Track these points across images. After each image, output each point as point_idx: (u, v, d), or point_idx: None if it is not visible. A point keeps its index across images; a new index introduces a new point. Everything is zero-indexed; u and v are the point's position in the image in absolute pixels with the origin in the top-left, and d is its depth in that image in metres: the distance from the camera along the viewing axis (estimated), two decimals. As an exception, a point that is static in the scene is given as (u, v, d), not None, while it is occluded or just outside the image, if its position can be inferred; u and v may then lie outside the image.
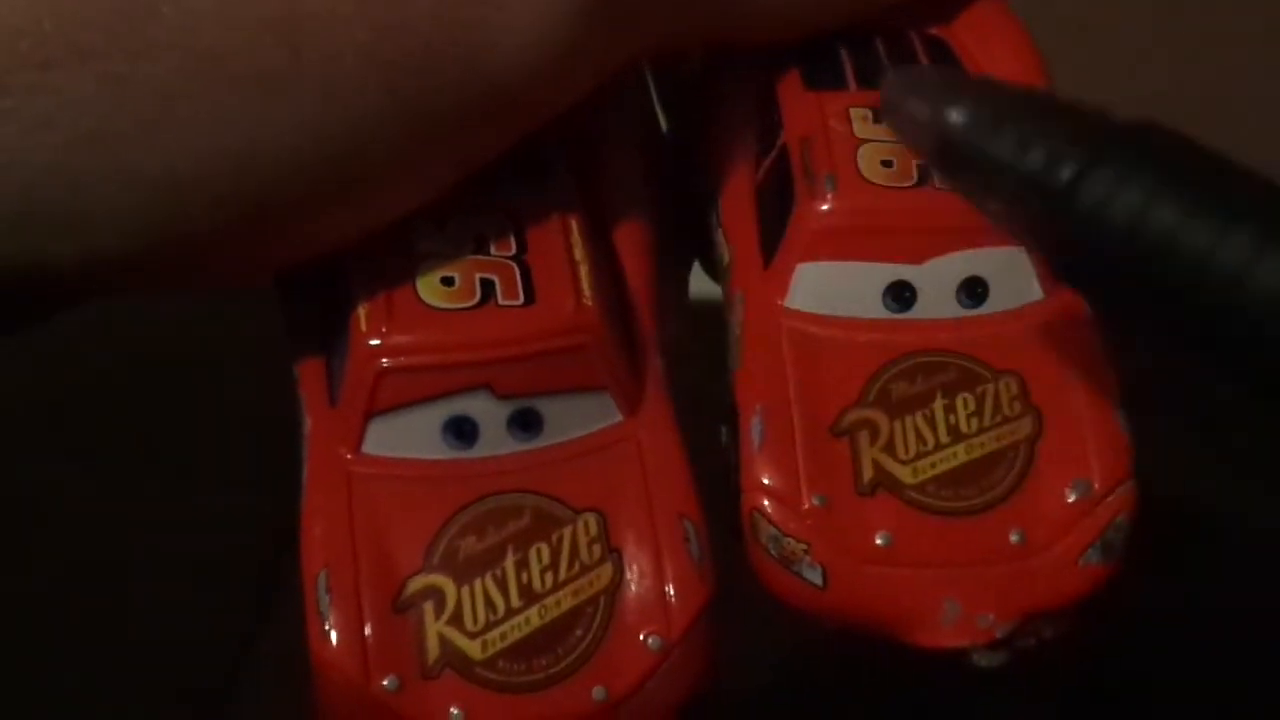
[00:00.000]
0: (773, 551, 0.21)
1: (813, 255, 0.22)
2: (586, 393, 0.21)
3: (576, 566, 0.21)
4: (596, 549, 0.21)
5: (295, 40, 0.18)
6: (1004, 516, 0.21)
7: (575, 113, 0.21)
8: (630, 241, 0.23)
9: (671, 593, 0.21)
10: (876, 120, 0.23)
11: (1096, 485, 0.21)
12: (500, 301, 0.21)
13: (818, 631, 0.22)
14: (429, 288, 0.21)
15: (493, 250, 0.22)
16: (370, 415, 0.21)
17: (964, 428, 0.22)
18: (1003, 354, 0.22)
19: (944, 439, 0.21)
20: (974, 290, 0.22)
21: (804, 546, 0.21)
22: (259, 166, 0.19)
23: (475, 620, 0.20)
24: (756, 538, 0.21)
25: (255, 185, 0.19)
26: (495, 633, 0.20)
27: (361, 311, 0.21)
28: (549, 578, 0.21)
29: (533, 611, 0.20)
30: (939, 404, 0.22)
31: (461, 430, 0.21)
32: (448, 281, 0.21)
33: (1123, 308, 0.18)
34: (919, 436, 0.21)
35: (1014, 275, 0.22)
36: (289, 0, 0.18)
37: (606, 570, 0.21)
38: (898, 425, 0.21)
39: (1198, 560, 0.60)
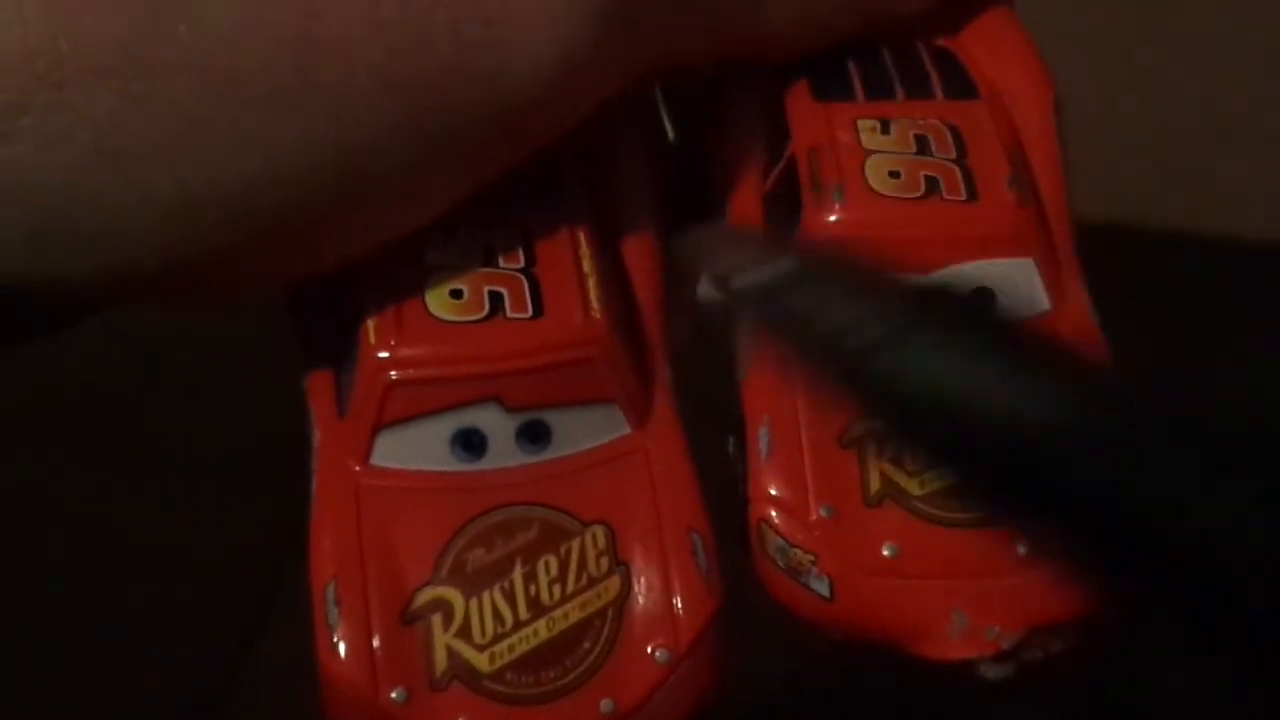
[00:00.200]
0: (780, 562, 0.21)
1: None
2: (595, 405, 0.21)
3: (584, 579, 0.21)
4: (604, 561, 0.21)
5: (310, 61, 0.18)
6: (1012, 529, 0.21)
7: (585, 126, 0.21)
8: (638, 254, 0.23)
9: (679, 605, 0.21)
10: (884, 131, 0.23)
11: None
12: (509, 314, 0.21)
13: (825, 643, 0.22)
14: (438, 300, 0.21)
15: (501, 263, 0.22)
16: (379, 427, 0.21)
17: None
18: None
19: None
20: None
21: (811, 557, 0.21)
22: (273, 185, 0.19)
23: (483, 632, 0.20)
24: (764, 548, 0.22)
25: (269, 203, 0.19)
26: (503, 645, 0.20)
27: (370, 324, 0.21)
28: (557, 590, 0.21)
29: (541, 624, 0.20)
30: None
31: (470, 442, 0.21)
32: (456, 294, 0.21)
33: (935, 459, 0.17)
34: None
35: (1022, 286, 0.22)
36: (304, 21, 0.18)
37: (614, 583, 0.21)
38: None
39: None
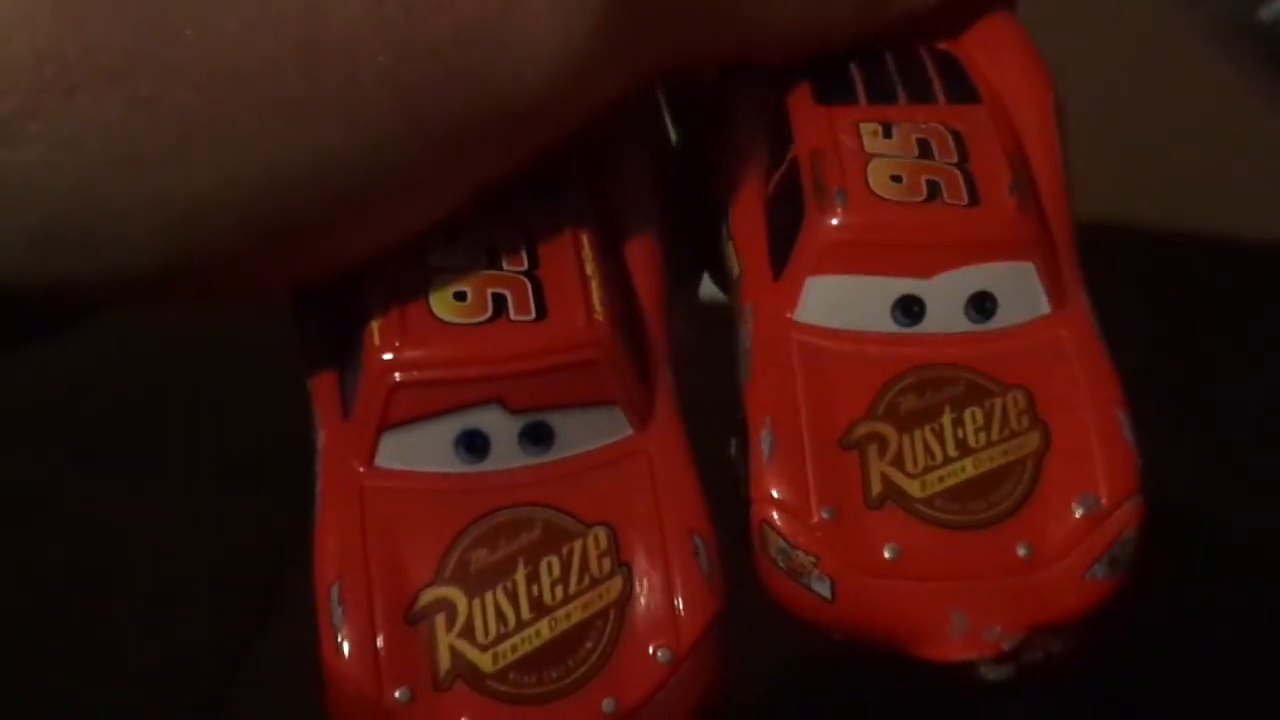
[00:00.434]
0: (781, 564, 0.21)
1: (823, 269, 0.22)
2: (597, 407, 0.22)
3: (587, 580, 0.21)
4: (606, 562, 0.21)
5: (315, 64, 0.18)
6: (1011, 530, 0.21)
7: (588, 129, 0.21)
8: (641, 256, 0.23)
9: (681, 606, 0.21)
10: (886, 135, 0.23)
11: (1104, 500, 0.21)
12: (512, 316, 0.21)
13: (826, 644, 0.22)
14: (442, 302, 0.21)
15: (505, 265, 0.22)
16: (383, 429, 0.21)
17: (972, 442, 0.22)
18: (1011, 369, 0.22)
19: (952, 453, 0.22)
20: (982, 305, 0.22)
21: (812, 559, 0.21)
22: (279, 188, 0.19)
23: (486, 632, 0.20)
24: (765, 550, 0.22)
25: (275, 206, 0.19)
26: (506, 645, 0.20)
27: (375, 326, 0.21)
28: (559, 590, 0.21)
29: (543, 624, 0.21)
30: (947, 418, 0.22)
31: (473, 444, 0.21)
32: (460, 296, 0.21)
33: None
34: (927, 450, 0.22)
35: (1022, 290, 0.22)
36: (309, 25, 0.18)
37: (616, 583, 0.21)
38: (906, 439, 0.22)
39: (1199, 564, 0.61)
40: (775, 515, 0.21)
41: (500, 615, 0.21)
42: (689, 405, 0.23)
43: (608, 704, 0.20)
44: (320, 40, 0.18)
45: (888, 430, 0.22)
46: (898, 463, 0.22)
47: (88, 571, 0.62)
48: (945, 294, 0.22)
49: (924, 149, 0.23)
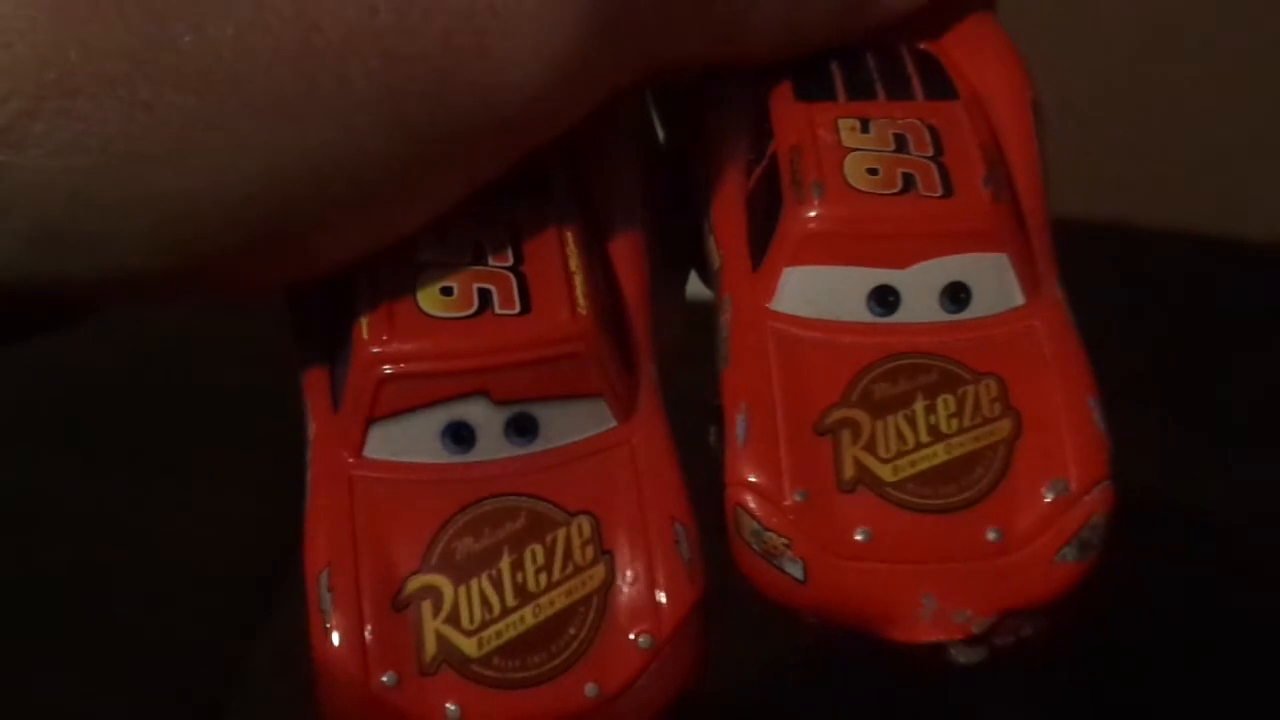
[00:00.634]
0: (755, 546, 0.22)
1: (799, 260, 0.23)
2: (581, 399, 0.22)
3: (570, 567, 0.21)
4: (589, 550, 0.21)
5: (309, 68, 0.19)
6: (982, 515, 0.22)
7: (575, 127, 0.22)
8: (625, 251, 0.24)
9: (662, 593, 0.21)
10: (864, 130, 0.23)
11: (1073, 485, 0.22)
12: (498, 311, 0.22)
13: (805, 631, 0.22)
14: (429, 297, 0.22)
15: (491, 261, 0.22)
16: (371, 420, 0.21)
17: (944, 428, 0.22)
18: (983, 357, 0.22)
19: (924, 438, 0.22)
20: (956, 295, 0.23)
21: (785, 541, 0.22)
22: (275, 189, 0.19)
23: (472, 619, 0.21)
24: (739, 532, 0.22)
25: (271, 207, 0.19)
26: (491, 631, 0.21)
27: (364, 320, 0.21)
28: (543, 578, 0.21)
29: (527, 611, 0.21)
30: (920, 405, 0.22)
31: (459, 435, 0.22)
32: (447, 291, 0.22)
33: None
34: (900, 436, 0.22)
35: (996, 281, 0.23)
36: (303, 30, 0.18)
37: (599, 571, 0.21)
38: (879, 425, 0.22)
39: (1193, 557, 0.61)
40: (749, 498, 0.22)
41: (485, 602, 0.21)
42: (675, 401, 0.23)
43: (590, 689, 0.21)
44: (313, 44, 0.18)
45: (861, 416, 0.22)
46: (870, 448, 0.22)
47: (87, 572, 0.62)
48: (920, 284, 0.23)
49: (900, 143, 0.23)
